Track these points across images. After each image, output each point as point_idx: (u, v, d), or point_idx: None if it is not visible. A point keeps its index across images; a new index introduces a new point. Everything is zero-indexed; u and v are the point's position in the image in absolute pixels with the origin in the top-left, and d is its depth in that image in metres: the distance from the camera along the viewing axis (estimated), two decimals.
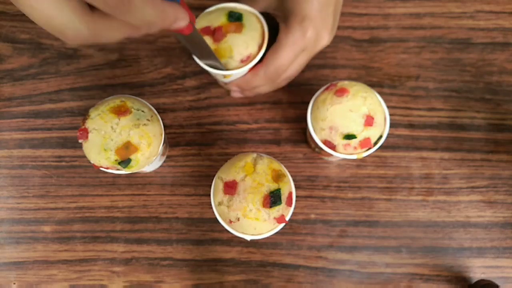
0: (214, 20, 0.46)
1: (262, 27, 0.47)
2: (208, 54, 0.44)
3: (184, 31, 0.34)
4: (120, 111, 0.41)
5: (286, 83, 0.52)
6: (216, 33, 0.45)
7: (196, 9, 0.57)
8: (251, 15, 0.47)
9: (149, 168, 0.50)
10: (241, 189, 0.39)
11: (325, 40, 0.47)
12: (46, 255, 0.52)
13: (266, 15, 0.48)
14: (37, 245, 0.52)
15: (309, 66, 0.55)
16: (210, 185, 0.43)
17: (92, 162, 0.42)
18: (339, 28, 0.56)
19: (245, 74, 0.48)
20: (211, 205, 0.42)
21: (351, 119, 0.43)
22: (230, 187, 0.40)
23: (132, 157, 0.42)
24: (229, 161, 0.43)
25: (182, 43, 0.39)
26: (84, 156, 0.43)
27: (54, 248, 0.52)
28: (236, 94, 0.53)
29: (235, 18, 0.45)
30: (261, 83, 0.48)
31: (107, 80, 0.55)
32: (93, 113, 0.42)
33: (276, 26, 0.48)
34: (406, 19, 0.57)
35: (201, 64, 0.46)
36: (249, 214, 0.39)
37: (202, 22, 0.46)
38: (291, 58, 0.46)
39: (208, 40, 0.45)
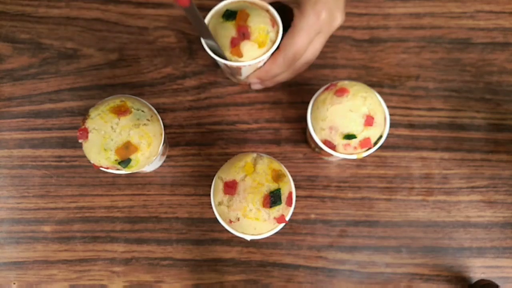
0: (225, 31, 0.45)
1: (251, 2, 0.48)
2: (208, 34, 0.44)
3: (181, 2, 0.36)
4: (120, 111, 0.41)
5: (306, 68, 0.52)
6: (243, 33, 0.45)
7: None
8: (235, 2, 0.48)
9: (149, 168, 0.50)
10: (241, 189, 0.39)
11: (338, 20, 0.47)
12: (46, 255, 0.52)
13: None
14: (37, 245, 0.52)
15: (309, 66, 0.55)
16: (210, 185, 0.43)
17: (92, 162, 0.42)
18: (339, 28, 0.56)
19: (264, 64, 0.49)
20: (211, 205, 0.42)
21: (351, 119, 0.43)
22: (230, 187, 0.40)
23: (132, 157, 0.42)
24: (229, 161, 0.43)
25: (189, 19, 0.41)
26: (84, 156, 0.43)
27: (54, 248, 0.52)
28: (256, 86, 0.53)
29: (230, 14, 0.45)
30: (281, 70, 0.49)
31: (107, 80, 0.55)
32: (93, 113, 0.42)
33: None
34: (406, 19, 0.57)
35: (229, 63, 0.46)
36: (249, 214, 0.39)
37: (222, 41, 0.46)
38: (307, 41, 0.46)
39: (249, 44, 0.45)
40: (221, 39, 0.46)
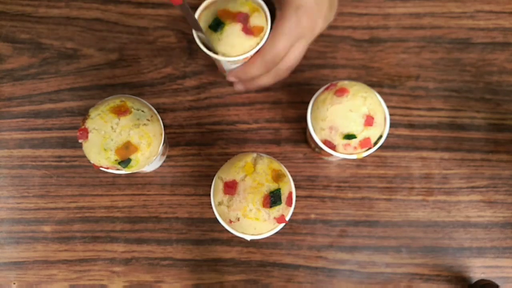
0: (230, 38, 0.44)
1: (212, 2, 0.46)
2: (201, 30, 0.44)
3: (174, 1, 0.36)
4: (120, 111, 0.41)
5: (288, 74, 0.50)
6: (243, 17, 0.43)
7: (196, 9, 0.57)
8: (204, 10, 0.46)
9: (149, 168, 0.49)
10: (241, 189, 0.39)
11: (319, 27, 0.46)
12: (46, 255, 0.52)
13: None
14: (37, 245, 0.52)
15: (309, 66, 0.55)
16: (210, 185, 0.43)
17: (92, 162, 0.42)
18: (339, 28, 0.56)
19: (242, 65, 0.47)
20: (211, 205, 0.42)
21: (351, 119, 0.43)
22: (230, 187, 0.40)
23: (132, 157, 0.42)
24: (229, 161, 0.43)
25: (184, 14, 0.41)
26: (84, 156, 0.43)
27: (54, 248, 0.52)
28: (238, 86, 0.52)
29: (217, 23, 0.44)
30: (258, 72, 0.47)
31: (107, 80, 0.55)
32: (93, 113, 0.42)
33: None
34: (406, 19, 0.57)
35: (211, 54, 0.45)
36: (249, 214, 0.39)
37: (235, 42, 0.44)
38: (287, 46, 0.45)
39: (255, 16, 0.44)
40: (233, 40, 0.44)
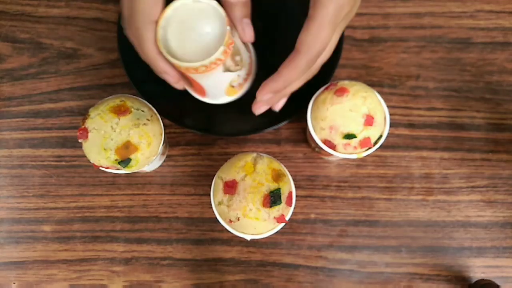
0: None
1: None
2: None
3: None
4: (120, 111, 0.42)
5: (318, 70, 0.43)
6: None
7: None
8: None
9: (149, 167, 0.49)
10: (241, 188, 0.39)
11: (356, 8, 0.39)
12: (46, 254, 0.52)
13: None
14: (37, 245, 0.52)
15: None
16: (210, 185, 0.43)
17: (92, 161, 0.42)
18: None
19: (279, 72, 0.38)
20: (211, 204, 0.42)
21: (351, 119, 0.43)
22: (230, 187, 0.40)
23: (132, 156, 0.42)
24: (229, 160, 0.43)
25: None
26: (84, 156, 0.43)
27: (54, 248, 0.52)
28: (262, 107, 0.42)
29: None
30: (301, 75, 0.39)
31: (107, 79, 0.55)
32: (93, 112, 0.42)
33: None
34: (406, 18, 0.57)
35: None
36: (249, 214, 0.39)
37: None
38: (330, 37, 0.37)
39: None
40: None
